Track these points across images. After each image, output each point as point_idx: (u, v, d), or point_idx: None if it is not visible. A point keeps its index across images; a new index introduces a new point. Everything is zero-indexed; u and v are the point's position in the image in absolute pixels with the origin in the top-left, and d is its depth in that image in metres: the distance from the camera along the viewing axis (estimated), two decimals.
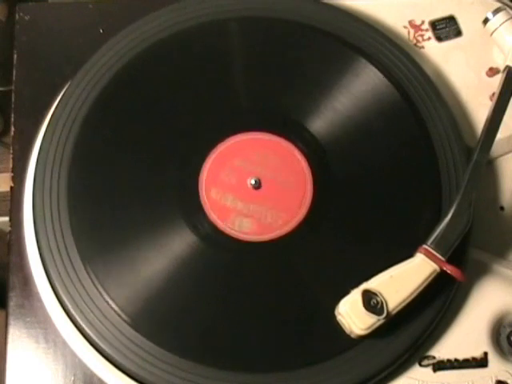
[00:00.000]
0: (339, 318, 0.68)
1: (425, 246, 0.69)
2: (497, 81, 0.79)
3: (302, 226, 0.75)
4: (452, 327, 0.74)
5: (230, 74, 0.81)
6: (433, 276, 0.68)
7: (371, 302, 0.67)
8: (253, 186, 0.76)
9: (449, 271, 0.68)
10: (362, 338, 0.68)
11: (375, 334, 0.68)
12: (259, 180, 0.76)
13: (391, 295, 0.67)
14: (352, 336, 0.68)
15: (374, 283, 0.68)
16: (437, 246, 0.69)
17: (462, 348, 0.73)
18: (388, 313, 0.67)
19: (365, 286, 0.68)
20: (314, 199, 0.75)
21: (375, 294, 0.67)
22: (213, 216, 0.74)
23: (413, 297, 0.68)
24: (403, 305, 0.68)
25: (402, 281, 0.68)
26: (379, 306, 0.67)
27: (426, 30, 0.85)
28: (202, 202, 0.75)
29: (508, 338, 0.74)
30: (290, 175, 0.76)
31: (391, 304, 0.67)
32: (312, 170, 0.77)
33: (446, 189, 0.76)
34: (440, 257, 0.69)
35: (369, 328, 0.67)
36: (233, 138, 0.78)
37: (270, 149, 0.77)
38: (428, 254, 0.69)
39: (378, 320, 0.67)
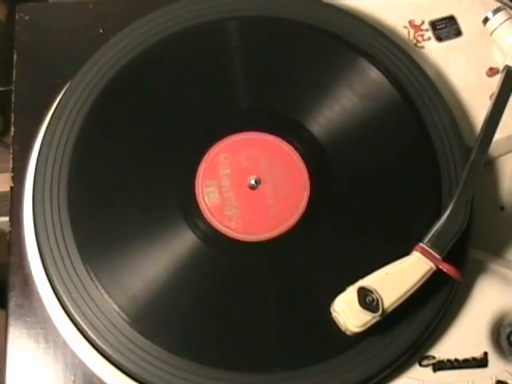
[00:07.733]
0: (334, 314, 0.68)
1: (421, 245, 0.69)
2: (497, 81, 0.78)
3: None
4: (452, 327, 0.74)
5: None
6: (429, 274, 0.68)
7: (367, 300, 0.67)
8: (251, 186, 0.76)
9: (445, 269, 0.68)
10: (357, 336, 0.68)
11: (371, 331, 0.68)
12: (257, 180, 0.76)
13: (387, 293, 0.67)
14: (347, 333, 0.68)
15: (369, 280, 0.68)
16: (433, 244, 0.69)
17: (462, 348, 0.73)
18: (383, 310, 0.67)
19: (361, 283, 0.67)
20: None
21: (371, 292, 0.67)
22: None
23: (409, 294, 0.68)
24: (399, 302, 0.67)
25: (397, 278, 0.68)
26: (375, 304, 0.66)
27: (426, 30, 0.85)
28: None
29: (508, 338, 0.74)
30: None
31: (387, 301, 0.67)
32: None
33: (446, 188, 0.76)
34: (436, 255, 0.68)
35: (364, 325, 0.67)
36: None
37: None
38: (424, 253, 0.69)
39: (374, 317, 0.66)
